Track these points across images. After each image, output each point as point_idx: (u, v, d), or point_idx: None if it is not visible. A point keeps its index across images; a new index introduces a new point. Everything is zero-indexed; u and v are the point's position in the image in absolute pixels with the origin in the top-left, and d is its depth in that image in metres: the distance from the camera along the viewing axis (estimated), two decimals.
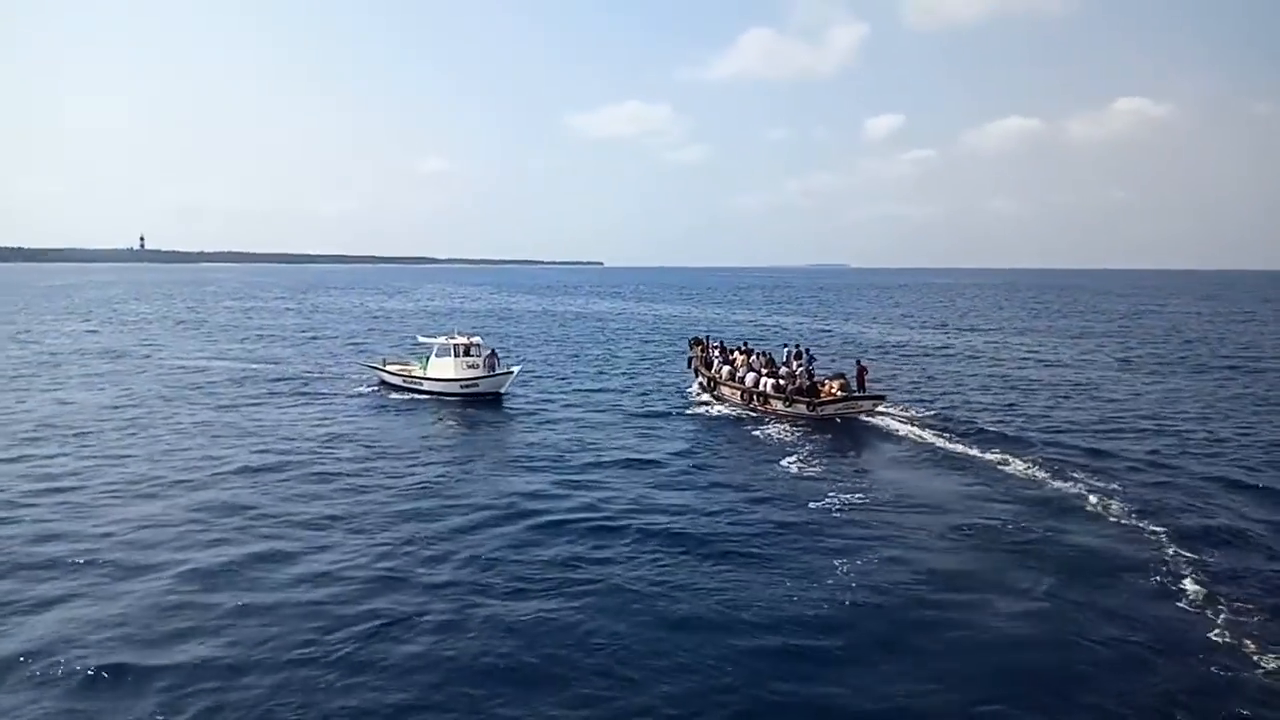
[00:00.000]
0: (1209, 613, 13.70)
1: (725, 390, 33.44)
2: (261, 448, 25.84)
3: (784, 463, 24.05)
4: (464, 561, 16.13)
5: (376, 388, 38.00)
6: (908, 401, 33.88)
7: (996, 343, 62.54)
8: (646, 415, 31.76)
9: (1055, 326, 78.56)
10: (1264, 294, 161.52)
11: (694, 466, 23.81)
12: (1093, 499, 20.10)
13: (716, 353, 37.13)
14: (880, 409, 30.77)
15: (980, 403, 34.47)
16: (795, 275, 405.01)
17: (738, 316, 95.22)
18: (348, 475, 22.71)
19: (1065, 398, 35.75)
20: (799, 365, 33.10)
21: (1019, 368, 47.00)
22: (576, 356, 52.45)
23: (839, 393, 30.21)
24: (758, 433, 28.58)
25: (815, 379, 31.45)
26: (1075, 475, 22.22)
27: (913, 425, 28.85)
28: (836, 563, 15.82)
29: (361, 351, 53.12)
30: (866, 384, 31.79)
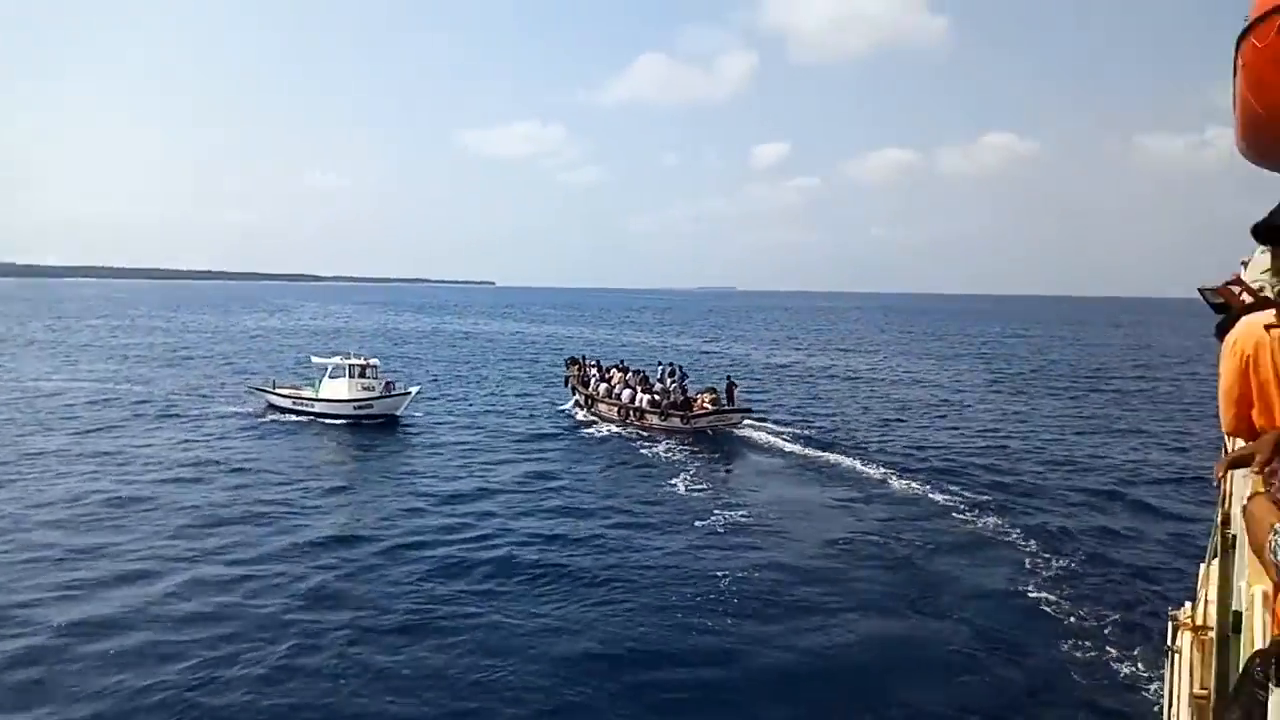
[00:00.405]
0: (1058, 615, 14.82)
1: (603, 407, 34.64)
2: (127, 476, 24.47)
3: (670, 481, 24.59)
4: (338, 598, 15.53)
5: (262, 411, 36.52)
6: (788, 419, 35.60)
7: (873, 363, 65.42)
8: (536, 437, 31.87)
9: (929, 349, 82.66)
10: (1115, 319, 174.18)
11: (584, 490, 23.98)
12: (960, 509, 21.44)
13: (594, 371, 38.32)
14: (755, 423, 33.16)
15: (855, 419, 36.50)
16: (685, 297, 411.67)
17: (629, 338, 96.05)
18: (222, 505, 21.74)
19: (937, 415, 37.88)
20: (672, 382, 34.92)
21: (893, 387, 49.36)
22: (466, 377, 51.88)
23: (710, 406, 32.13)
24: (642, 451, 29.37)
25: (688, 394, 33.43)
26: (944, 486, 23.61)
27: (794, 442, 30.70)
28: (723, 582, 16.24)
29: (240, 373, 50.90)
30: (736, 398, 33.79)
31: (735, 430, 32.11)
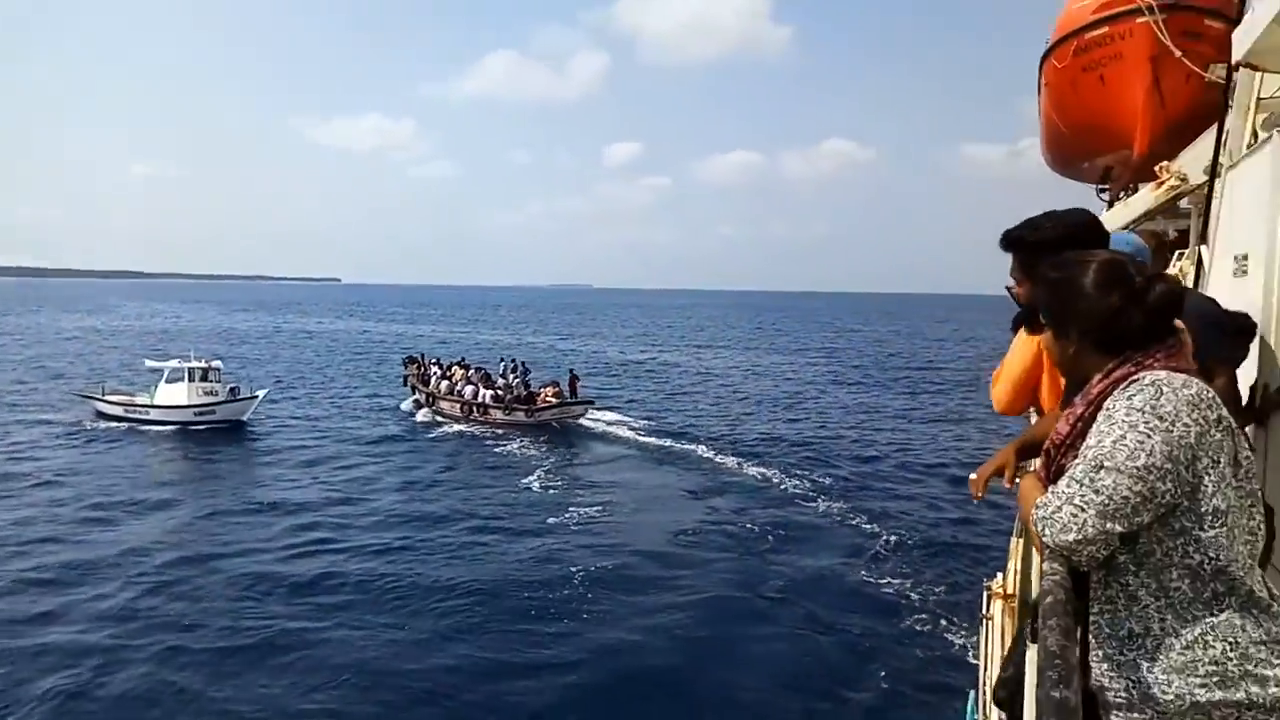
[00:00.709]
0: (892, 593, 15.80)
1: (445, 405, 34.69)
2: None
3: (521, 480, 24.51)
4: (159, 618, 14.38)
5: (87, 419, 33.52)
6: (639, 412, 36.59)
7: (720, 358, 67.38)
8: (384, 439, 30.98)
9: (775, 344, 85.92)
10: (935, 315, 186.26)
11: (434, 494, 23.42)
12: (802, 496, 22.56)
13: (434, 369, 38.41)
14: (607, 417, 34.36)
15: (702, 410, 38.10)
16: (541, 294, 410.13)
17: (484, 336, 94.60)
18: (28, 522, 19.85)
19: (779, 406, 39.79)
20: (515, 377, 35.46)
21: (738, 379, 51.19)
22: (310, 379, 49.61)
23: (554, 399, 33.02)
24: (493, 449, 29.27)
25: (531, 389, 34.22)
26: (787, 473, 24.79)
27: (644, 434, 31.81)
28: (577, 578, 16.29)
29: (56, 378, 46.58)
30: (579, 390, 34.79)
31: (581, 423, 33.20)
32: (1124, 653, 1.65)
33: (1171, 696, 1.59)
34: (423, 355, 42.15)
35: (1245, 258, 4.33)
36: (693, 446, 29.38)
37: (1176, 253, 8.26)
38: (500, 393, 33.50)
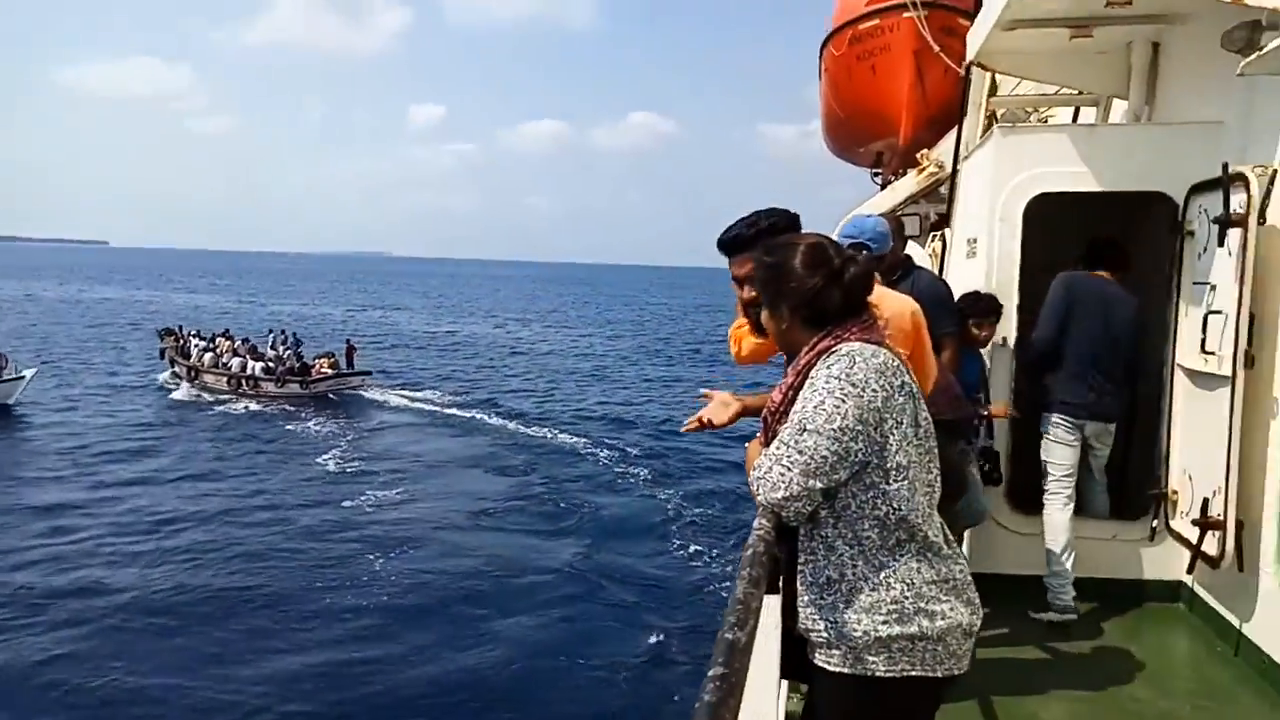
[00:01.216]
0: (691, 553, 16.53)
1: (210, 379, 33.24)
2: None
3: (315, 460, 23.27)
4: None
5: None
6: (430, 384, 36.44)
7: (518, 329, 66.88)
8: (157, 423, 28.32)
9: (575, 316, 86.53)
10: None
11: (222, 483, 21.74)
12: (604, 468, 22.96)
13: (195, 341, 36.59)
14: (391, 387, 34.05)
15: (496, 381, 38.27)
16: (336, 261, 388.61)
17: (279, 306, 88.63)
18: None
19: (568, 376, 40.52)
20: (285, 349, 34.63)
21: (533, 351, 51.36)
22: (75, 355, 44.58)
23: (329, 370, 32.63)
24: (284, 427, 27.68)
25: (304, 360, 33.44)
26: (587, 448, 25.22)
27: (433, 405, 31.51)
28: (378, 565, 15.71)
29: None
30: (355, 361, 34.61)
31: (369, 395, 32.86)
32: (824, 597, 1.86)
33: (860, 633, 1.81)
34: (180, 326, 39.62)
35: (974, 241, 4.86)
36: (479, 412, 29.76)
37: (932, 234, 9.04)
38: (271, 365, 32.44)
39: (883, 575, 1.82)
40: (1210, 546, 3.74)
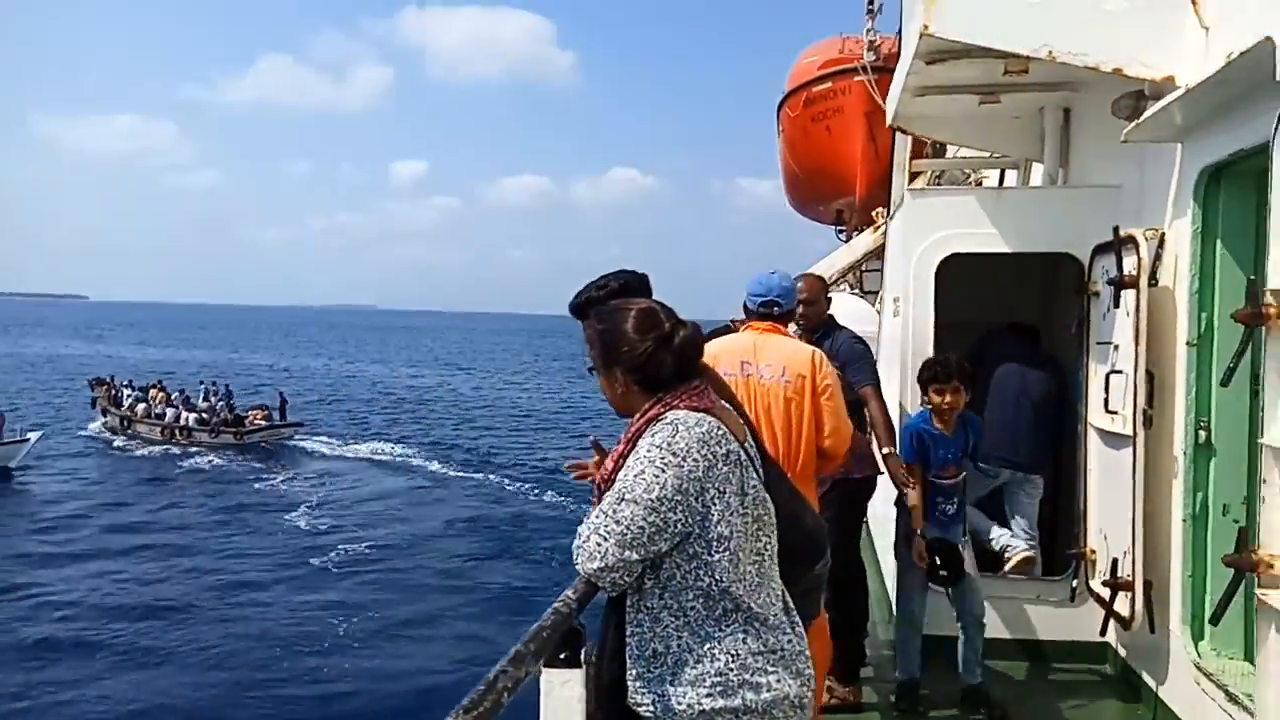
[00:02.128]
0: None
1: (143, 428, 33.93)
2: None
3: (282, 516, 23.05)
4: None
5: None
6: (376, 434, 36.67)
7: (494, 382, 66.46)
8: (94, 475, 28.05)
9: (551, 366, 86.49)
10: None
11: (155, 524, 21.49)
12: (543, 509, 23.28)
13: (128, 391, 37.14)
14: (319, 436, 35.01)
15: (464, 433, 38.58)
16: (319, 314, 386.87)
17: (254, 360, 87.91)
18: None
19: (521, 421, 40.93)
20: (217, 400, 35.29)
21: (508, 401, 51.36)
22: (49, 405, 43.87)
23: (263, 421, 33.47)
24: (212, 476, 27.99)
25: (236, 411, 34.24)
26: (521, 490, 25.72)
27: (368, 453, 32.35)
28: (341, 628, 15.31)
29: None
30: (287, 413, 35.42)
31: (299, 444, 33.82)
32: (651, 670, 1.81)
33: (684, 706, 1.76)
34: (112, 377, 40.02)
35: (897, 300, 4.90)
36: (417, 462, 30.37)
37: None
38: (205, 416, 33.34)
39: (707, 647, 1.78)
40: (1122, 607, 3.72)
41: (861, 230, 11.93)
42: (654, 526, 1.74)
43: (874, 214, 11.71)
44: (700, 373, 1.97)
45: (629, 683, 1.84)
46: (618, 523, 1.74)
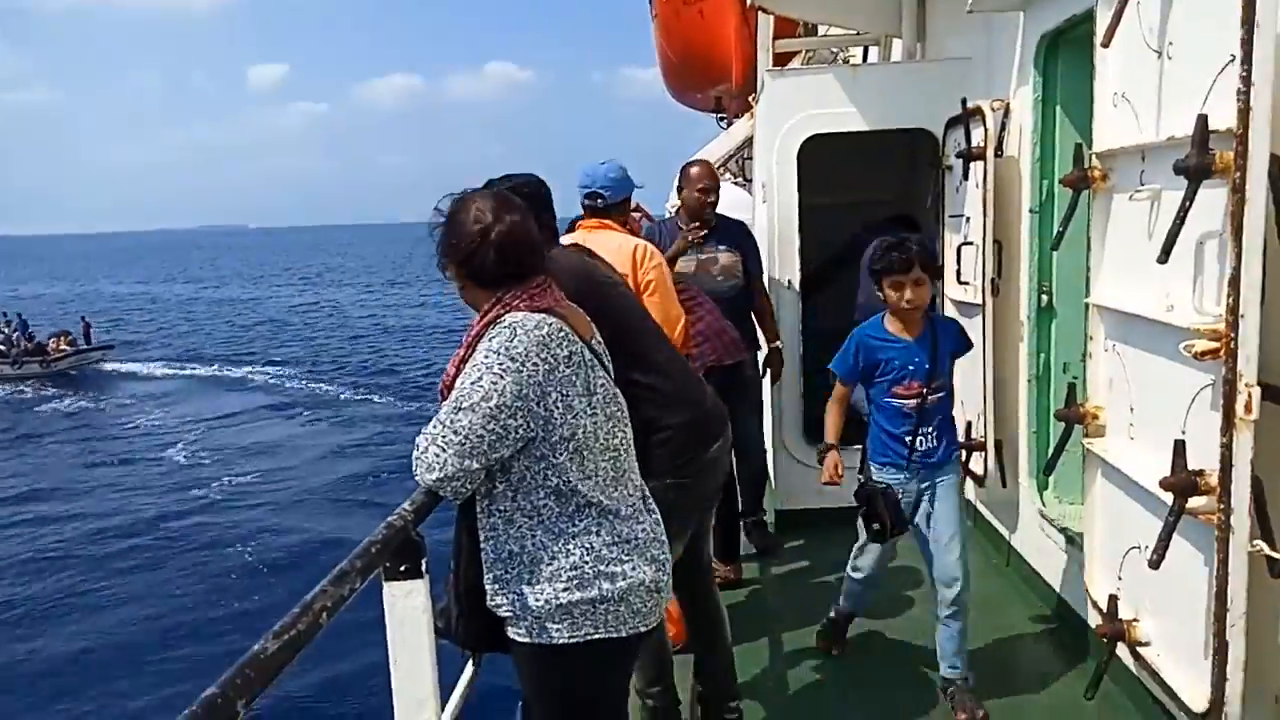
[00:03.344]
0: None
1: None
2: None
3: (87, 439, 22.35)
4: None
5: None
6: (209, 352, 36.03)
7: (378, 297, 64.27)
8: None
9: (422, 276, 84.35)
10: None
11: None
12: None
13: None
14: (137, 360, 34.58)
15: (277, 347, 37.57)
16: (185, 237, 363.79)
17: (114, 288, 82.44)
18: None
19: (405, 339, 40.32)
20: (13, 331, 33.79)
21: (391, 315, 50.14)
22: None
23: (68, 348, 32.49)
24: (20, 408, 26.98)
25: (37, 340, 33.07)
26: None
27: (189, 372, 32.15)
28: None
29: None
30: (93, 337, 34.37)
31: (111, 367, 33.26)
32: (508, 571, 1.83)
33: (542, 603, 1.79)
34: None
35: (765, 185, 4.90)
36: (248, 377, 30.19)
37: None
38: (2, 348, 31.84)
39: (561, 544, 1.80)
40: (977, 466, 3.94)
41: (740, 117, 11.80)
42: (494, 434, 1.71)
43: (750, 99, 11.59)
44: (541, 269, 1.90)
45: (486, 585, 1.85)
46: (455, 432, 1.70)
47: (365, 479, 19.17)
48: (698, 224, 4.00)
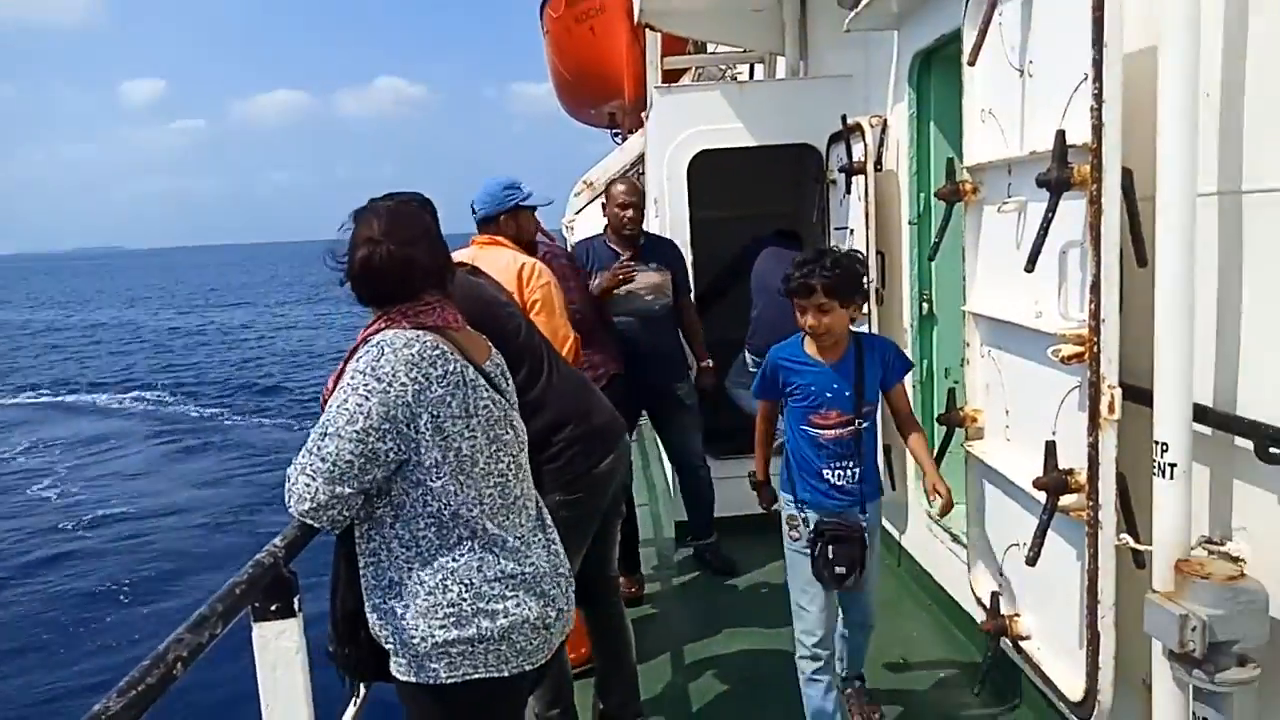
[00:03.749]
0: None
1: None
2: None
3: None
4: None
5: None
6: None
7: (266, 317, 62.41)
8: None
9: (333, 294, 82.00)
10: None
11: None
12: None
13: None
14: (57, 393, 31.79)
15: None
16: (57, 262, 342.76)
17: None
18: None
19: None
20: None
21: (282, 336, 48.68)
22: None
23: None
24: None
25: None
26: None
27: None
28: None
29: None
30: None
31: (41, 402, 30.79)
32: (386, 601, 1.74)
33: (419, 639, 1.70)
34: None
35: (657, 200, 4.92)
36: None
37: None
38: None
39: (440, 577, 1.71)
40: None
41: (635, 132, 11.86)
42: (363, 458, 1.63)
43: (643, 115, 11.67)
44: (436, 288, 1.82)
45: (367, 613, 1.76)
46: (323, 459, 1.62)
47: (251, 504, 18.45)
48: (630, 255, 3.98)
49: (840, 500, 2.65)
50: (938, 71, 3.52)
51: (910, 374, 3.59)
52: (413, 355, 1.68)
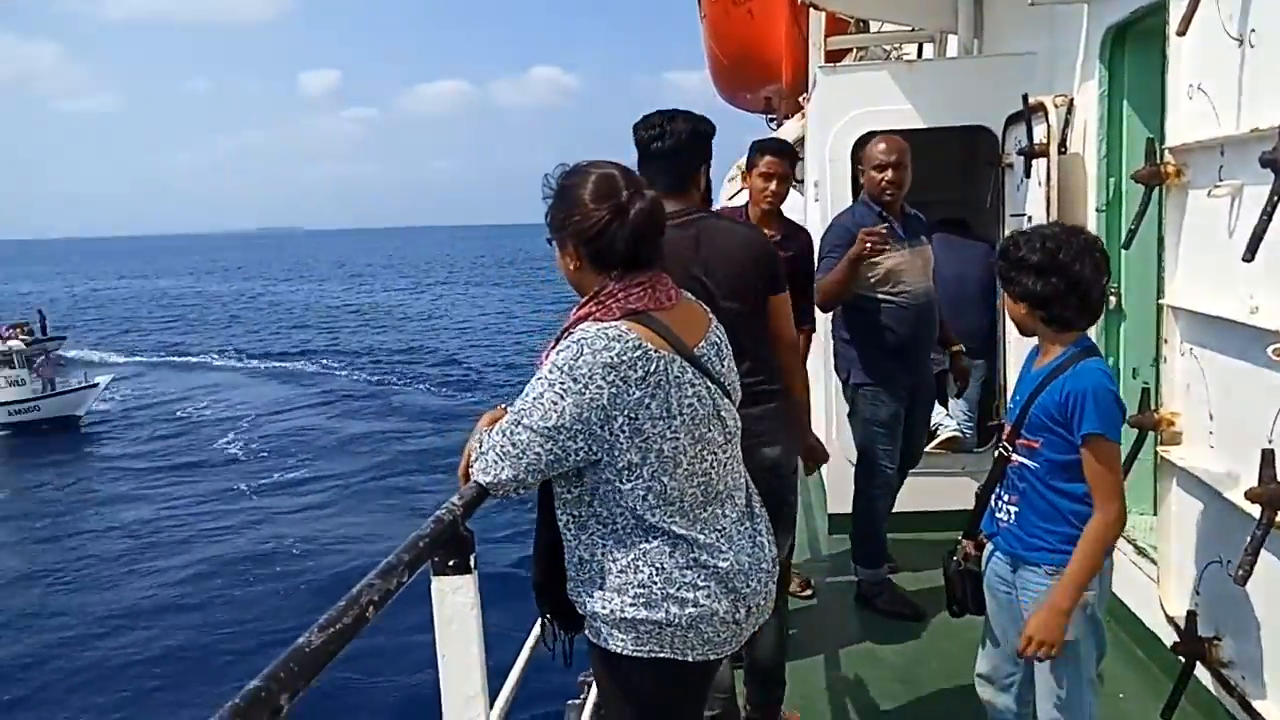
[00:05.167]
0: None
1: None
2: None
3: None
4: None
5: None
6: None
7: (446, 300, 65.72)
8: None
9: (472, 277, 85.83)
10: None
11: None
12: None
13: None
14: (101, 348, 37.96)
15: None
16: (242, 241, 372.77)
17: (217, 287, 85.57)
18: None
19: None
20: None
21: (460, 315, 50.86)
22: None
23: (26, 338, 31.52)
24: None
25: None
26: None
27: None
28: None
29: None
30: (49, 328, 34.34)
31: (72, 354, 34.74)
32: (580, 573, 1.76)
33: (607, 612, 1.71)
34: None
35: (817, 184, 4.81)
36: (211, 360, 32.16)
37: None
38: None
39: (631, 557, 1.71)
40: None
41: (790, 117, 11.65)
42: (551, 455, 1.64)
43: (801, 99, 11.47)
44: (658, 256, 1.75)
45: (568, 580, 1.81)
46: (514, 445, 1.64)
47: (418, 472, 19.49)
48: (885, 224, 3.44)
49: (995, 543, 2.18)
50: (1132, 47, 3.26)
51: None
52: (611, 359, 1.63)
